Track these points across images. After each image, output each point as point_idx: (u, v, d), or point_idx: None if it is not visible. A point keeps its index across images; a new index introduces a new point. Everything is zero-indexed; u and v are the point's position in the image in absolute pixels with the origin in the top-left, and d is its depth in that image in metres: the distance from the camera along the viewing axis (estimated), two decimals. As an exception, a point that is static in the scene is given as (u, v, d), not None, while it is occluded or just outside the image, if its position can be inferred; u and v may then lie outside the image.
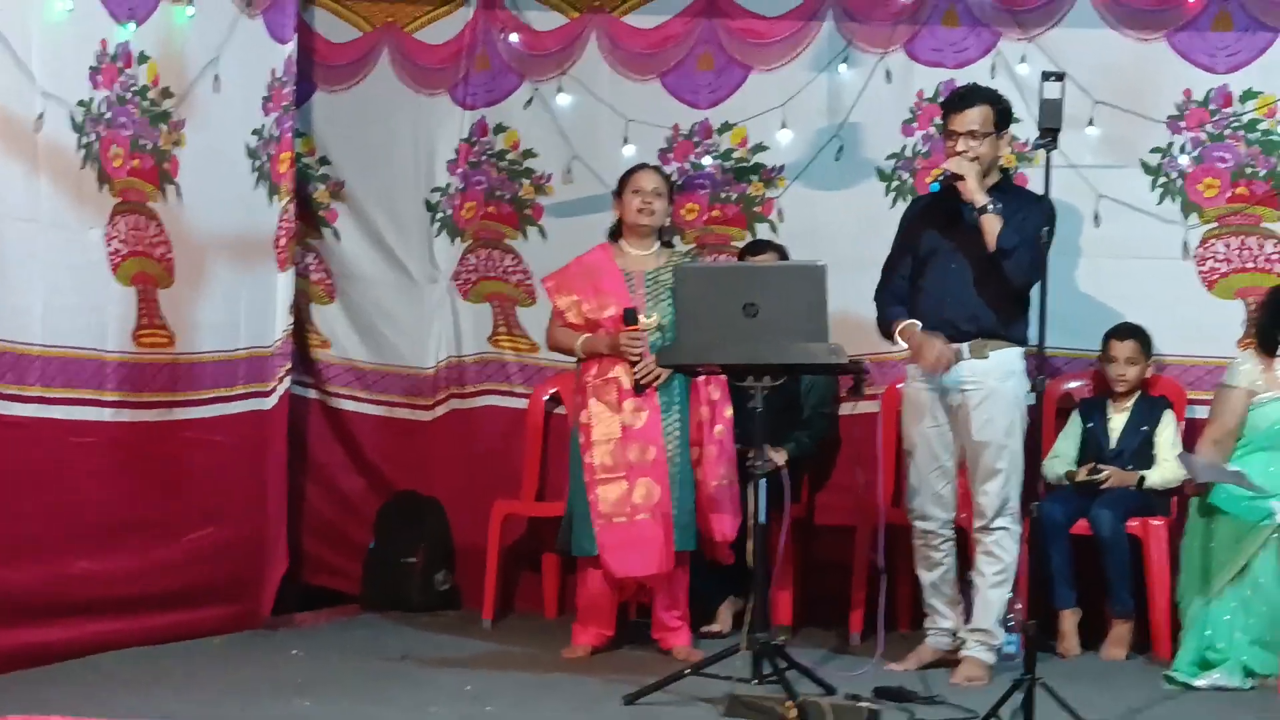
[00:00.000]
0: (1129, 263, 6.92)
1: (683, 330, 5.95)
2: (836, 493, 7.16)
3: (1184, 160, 6.87)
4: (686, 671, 5.86)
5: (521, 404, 7.67)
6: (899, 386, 6.44)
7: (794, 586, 6.96)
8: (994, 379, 6.06)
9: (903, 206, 6.96)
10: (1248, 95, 6.78)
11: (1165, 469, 6.60)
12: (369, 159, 7.90)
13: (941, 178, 6.10)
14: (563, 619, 7.14)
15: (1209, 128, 6.83)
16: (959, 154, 6.05)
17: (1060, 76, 5.73)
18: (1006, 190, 6.16)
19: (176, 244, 6.73)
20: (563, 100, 7.66)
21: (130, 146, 6.51)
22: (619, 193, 6.62)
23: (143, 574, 6.53)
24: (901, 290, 6.24)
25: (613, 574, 6.38)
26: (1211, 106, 6.82)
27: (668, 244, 6.73)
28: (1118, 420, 6.77)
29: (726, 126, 7.47)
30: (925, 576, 6.30)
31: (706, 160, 7.50)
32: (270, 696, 5.79)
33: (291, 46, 7.31)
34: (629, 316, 6.37)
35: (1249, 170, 6.78)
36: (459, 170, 7.80)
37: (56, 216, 6.20)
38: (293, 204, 7.37)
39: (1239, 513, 6.08)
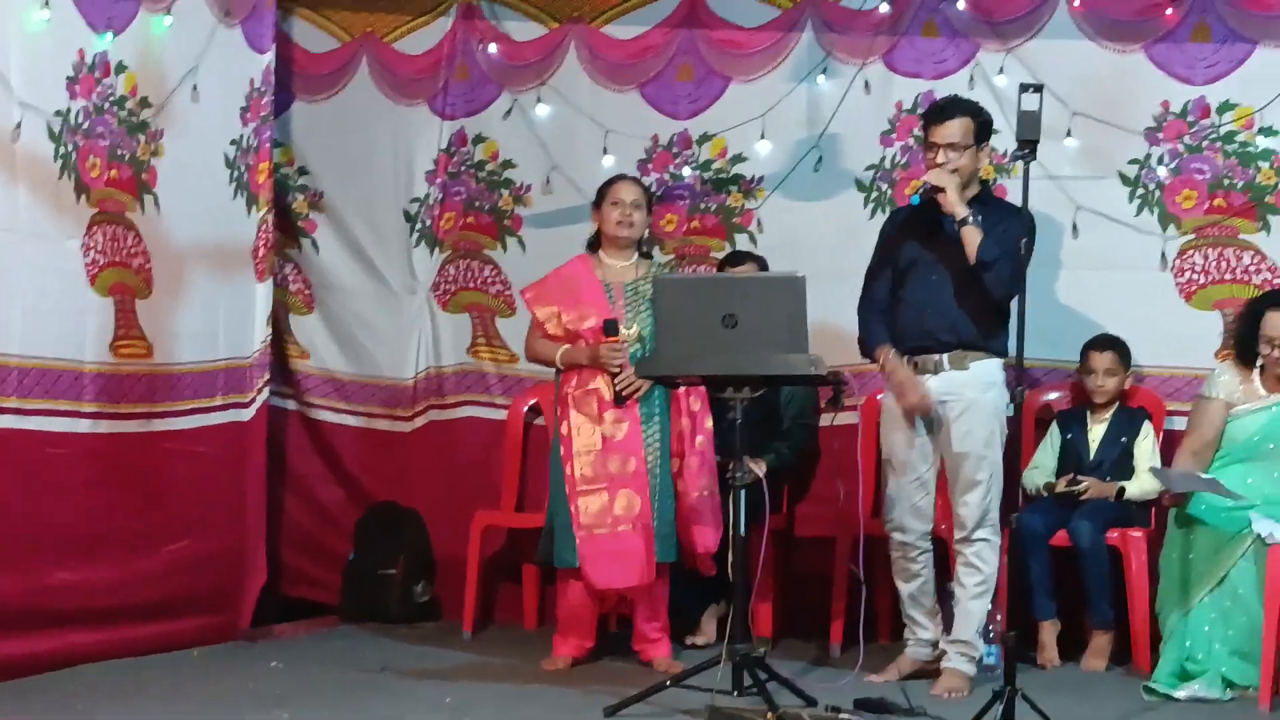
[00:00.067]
0: (1107, 274, 6.92)
1: (662, 341, 5.95)
2: (816, 504, 7.15)
3: (1162, 172, 6.89)
4: (667, 683, 5.87)
5: (501, 415, 7.66)
6: (878, 398, 6.45)
7: (774, 598, 6.96)
8: (974, 390, 6.07)
9: (881, 217, 6.97)
10: (1225, 107, 6.79)
11: (1144, 480, 6.60)
12: (348, 169, 7.90)
13: (921, 190, 6.11)
14: (543, 630, 7.13)
15: (1187, 139, 6.84)
16: (939, 166, 6.06)
17: (1038, 88, 5.74)
18: (986, 202, 6.17)
19: (155, 254, 6.72)
20: (542, 111, 7.66)
21: (108, 156, 6.49)
22: (598, 204, 6.62)
23: (121, 585, 6.52)
24: (883, 303, 6.24)
25: (594, 585, 6.37)
26: (1189, 118, 6.83)
27: (646, 255, 6.74)
28: (1097, 431, 6.77)
29: (706, 137, 7.48)
30: (903, 588, 6.31)
31: (686, 171, 7.50)
32: (249, 708, 5.79)
33: (270, 56, 7.30)
34: (609, 328, 6.37)
35: (1227, 182, 6.80)
36: (438, 181, 7.80)
37: (34, 226, 6.19)
38: (271, 214, 7.36)
39: (1217, 523, 6.09)
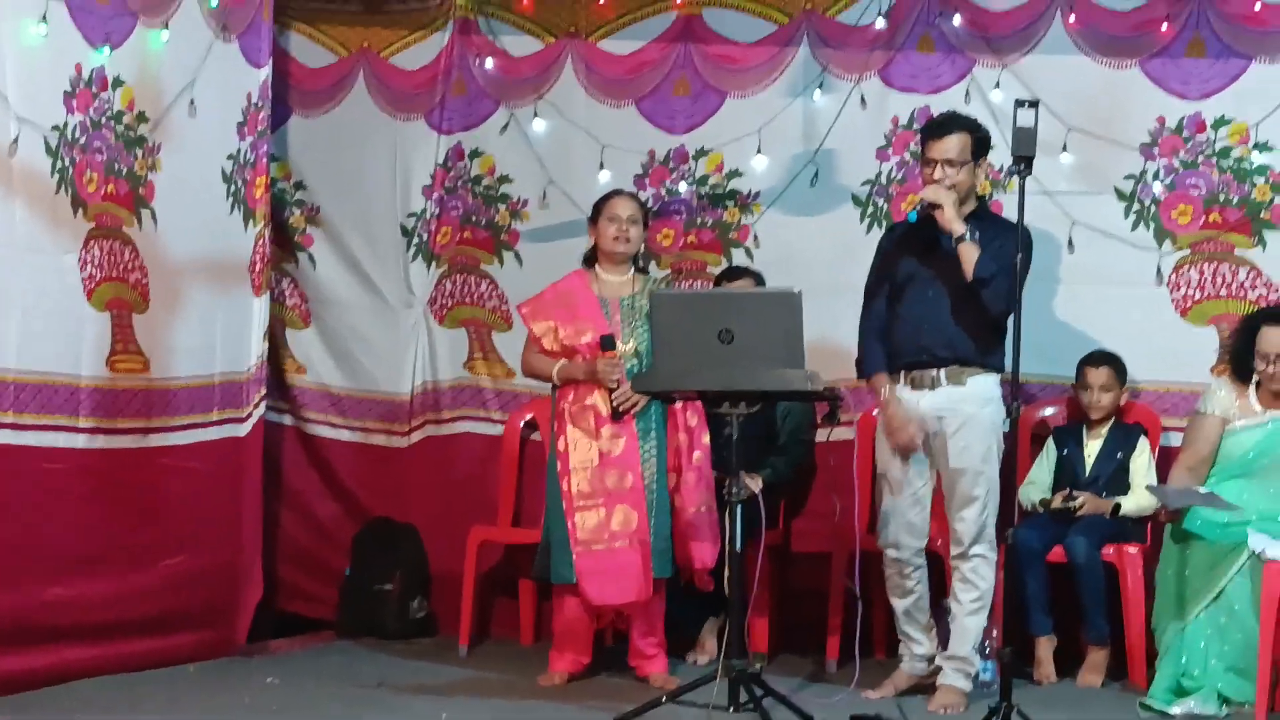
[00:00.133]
0: (1103, 289, 6.93)
1: (659, 357, 5.95)
2: (813, 519, 7.14)
3: (1157, 187, 6.89)
4: (663, 699, 5.87)
5: (497, 430, 7.66)
6: (875, 414, 6.44)
7: (770, 613, 6.95)
8: (971, 406, 6.08)
9: (878, 232, 6.99)
10: (1221, 122, 6.80)
11: (1140, 496, 6.60)
12: (345, 184, 7.90)
13: (919, 207, 6.11)
14: (539, 646, 7.12)
15: (1182, 155, 6.85)
16: (936, 182, 6.07)
17: (1034, 103, 5.77)
18: (983, 218, 6.18)
19: (151, 269, 6.72)
20: (539, 125, 7.67)
21: (105, 171, 6.50)
22: (594, 219, 6.62)
23: (118, 601, 6.51)
24: (881, 321, 6.24)
25: (591, 601, 6.37)
26: (1185, 133, 6.84)
27: (643, 270, 6.74)
28: (1092, 447, 6.78)
29: (702, 152, 7.48)
30: (898, 604, 6.30)
31: (682, 186, 7.51)
32: (245, 724, 5.79)
33: (267, 71, 7.30)
34: (606, 343, 6.37)
35: (1222, 197, 6.80)
36: (435, 195, 7.80)
37: (31, 241, 6.19)
38: (268, 229, 7.36)
39: (1213, 537, 6.10)
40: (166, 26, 6.73)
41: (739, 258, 7.40)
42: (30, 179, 6.17)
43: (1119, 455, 6.71)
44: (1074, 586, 6.52)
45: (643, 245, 6.73)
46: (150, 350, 6.73)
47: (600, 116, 7.59)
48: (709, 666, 6.64)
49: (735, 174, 7.43)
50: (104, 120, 6.50)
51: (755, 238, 7.41)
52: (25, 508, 6.15)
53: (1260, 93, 6.74)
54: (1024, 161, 5.82)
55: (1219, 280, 6.81)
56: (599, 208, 6.61)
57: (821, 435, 6.99)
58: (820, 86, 7.29)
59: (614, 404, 6.38)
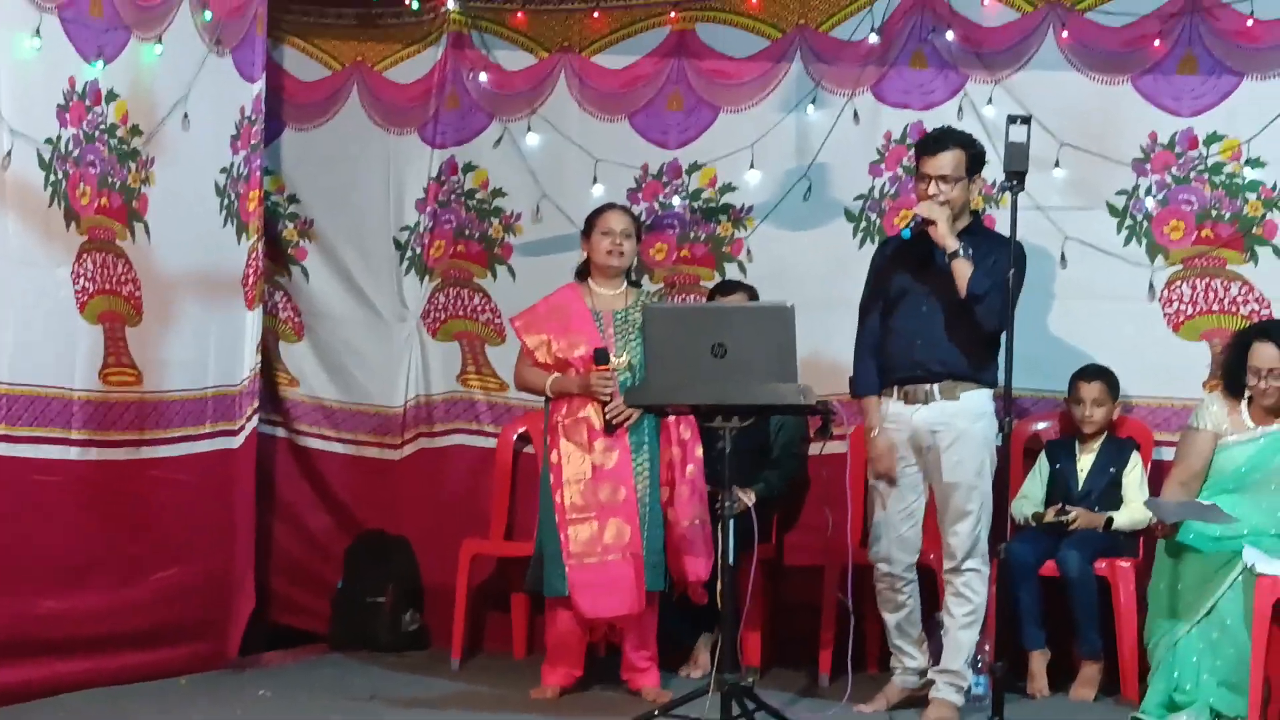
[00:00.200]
0: (1095, 304, 6.94)
1: (652, 370, 5.95)
2: (805, 533, 7.14)
3: (1150, 203, 6.91)
4: (655, 713, 5.87)
5: (490, 443, 7.67)
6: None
7: (763, 627, 6.95)
8: (964, 420, 6.08)
9: (870, 247, 6.99)
10: (1213, 138, 6.82)
11: (1133, 510, 6.62)
12: (338, 197, 7.91)
13: (912, 223, 6.11)
14: (531, 659, 7.12)
15: (1174, 170, 6.86)
16: (930, 197, 6.07)
17: (1026, 119, 5.80)
18: (977, 233, 6.18)
19: (145, 282, 6.72)
20: (532, 140, 7.69)
21: (98, 184, 6.50)
22: (587, 233, 6.62)
23: (110, 613, 6.50)
24: (875, 338, 6.24)
25: (583, 614, 6.37)
26: (1177, 149, 6.85)
27: (635, 284, 6.75)
28: (1085, 461, 6.79)
29: (695, 166, 7.50)
30: (889, 618, 6.30)
31: (675, 200, 7.52)
32: (237, 738, 5.78)
33: (260, 85, 7.31)
34: (600, 356, 6.38)
35: (1214, 213, 6.81)
36: (428, 209, 7.81)
37: (24, 254, 6.19)
38: (261, 242, 7.36)
39: (1208, 550, 6.09)
40: (160, 40, 6.73)
41: (732, 272, 7.41)
42: (23, 192, 6.17)
43: (1111, 470, 6.72)
44: (1066, 601, 6.53)
45: (636, 259, 6.74)
46: (143, 363, 6.73)
47: (593, 131, 7.60)
48: (701, 680, 6.63)
49: (728, 188, 7.44)
50: (97, 133, 6.50)
51: (748, 252, 7.42)
52: (17, 520, 6.14)
53: (1252, 109, 6.75)
54: (1016, 177, 5.86)
55: (1211, 295, 6.82)
56: (592, 222, 6.62)
57: (814, 449, 7.02)
58: (813, 101, 7.31)
59: (607, 417, 6.39)
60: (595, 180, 7.55)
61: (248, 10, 7.18)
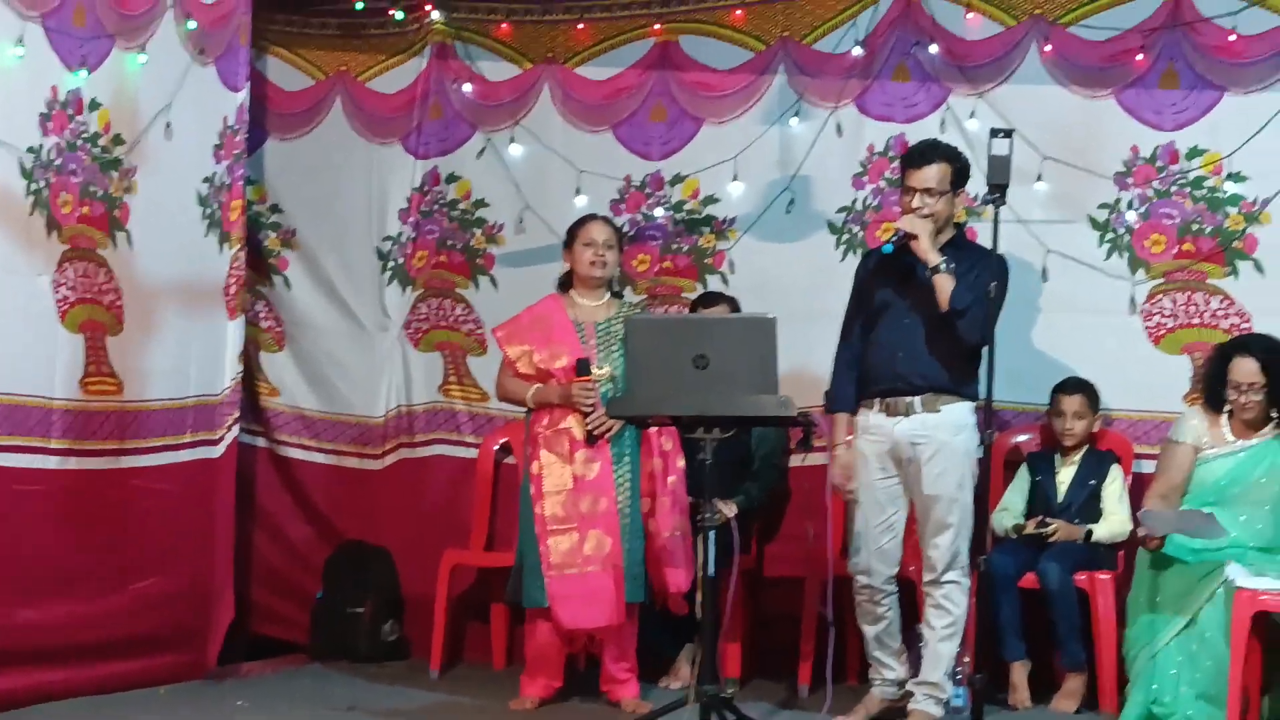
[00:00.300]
0: (1077, 317, 6.94)
1: (633, 381, 5.96)
2: (786, 544, 7.15)
3: (1131, 216, 6.92)
4: (635, 724, 5.87)
5: (471, 454, 7.66)
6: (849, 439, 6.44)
7: (743, 638, 6.95)
8: (945, 433, 6.08)
9: (853, 259, 7.01)
10: (1194, 152, 6.83)
11: (1113, 523, 6.63)
12: (320, 207, 7.91)
13: (895, 237, 6.12)
14: (511, 670, 7.11)
15: (1156, 184, 6.87)
16: (915, 210, 6.08)
17: (1009, 133, 5.81)
18: (961, 246, 6.19)
19: (126, 291, 6.71)
20: (515, 150, 7.70)
21: (80, 193, 6.49)
22: (569, 244, 6.63)
23: (89, 623, 6.49)
24: (855, 352, 6.26)
25: (563, 625, 6.36)
26: (1159, 163, 6.87)
27: (617, 294, 6.75)
28: (1065, 474, 6.79)
29: (678, 178, 7.51)
30: (869, 630, 6.30)
31: (658, 212, 7.53)
32: (216, 748, 5.77)
33: (244, 94, 7.31)
34: (581, 367, 6.38)
35: (1195, 227, 6.83)
36: (411, 219, 7.81)
37: (5, 262, 6.20)
38: (243, 252, 7.35)
39: (1189, 559, 6.10)
40: (143, 50, 6.74)
41: (714, 283, 7.41)
42: (5, 200, 6.17)
43: (1092, 482, 6.73)
44: (1047, 613, 6.53)
45: (618, 270, 6.75)
46: (124, 372, 6.72)
47: (577, 142, 7.61)
48: (681, 691, 6.62)
49: (711, 200, 7.45)
50: (80, 142, 6.49)
51: (731, 264, 7.43)
52: (-4, 529, 6.14)
53: (1233, 124, 6.75)
54: (999, 190, 5.87)
55: (1192, 309, 6.83)
56: (574, 233, 6.62)
57: (795, 460, 7.02)
58: (796, 114, 7.32)
59: (588, 428, 6.39)
60: (578, 191, 7.56)
61: (231, 20, 7.18)
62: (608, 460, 6.42)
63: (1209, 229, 6.81)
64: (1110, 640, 6.43)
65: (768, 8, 7.39)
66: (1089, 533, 6.61)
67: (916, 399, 6.11)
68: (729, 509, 6.48)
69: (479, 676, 7.20)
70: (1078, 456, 6.80)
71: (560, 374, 6.45)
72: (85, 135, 6.52)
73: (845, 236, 7.25)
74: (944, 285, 6.00)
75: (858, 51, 7.21)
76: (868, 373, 6.22)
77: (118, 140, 6.67)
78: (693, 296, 7.36)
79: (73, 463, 6.47)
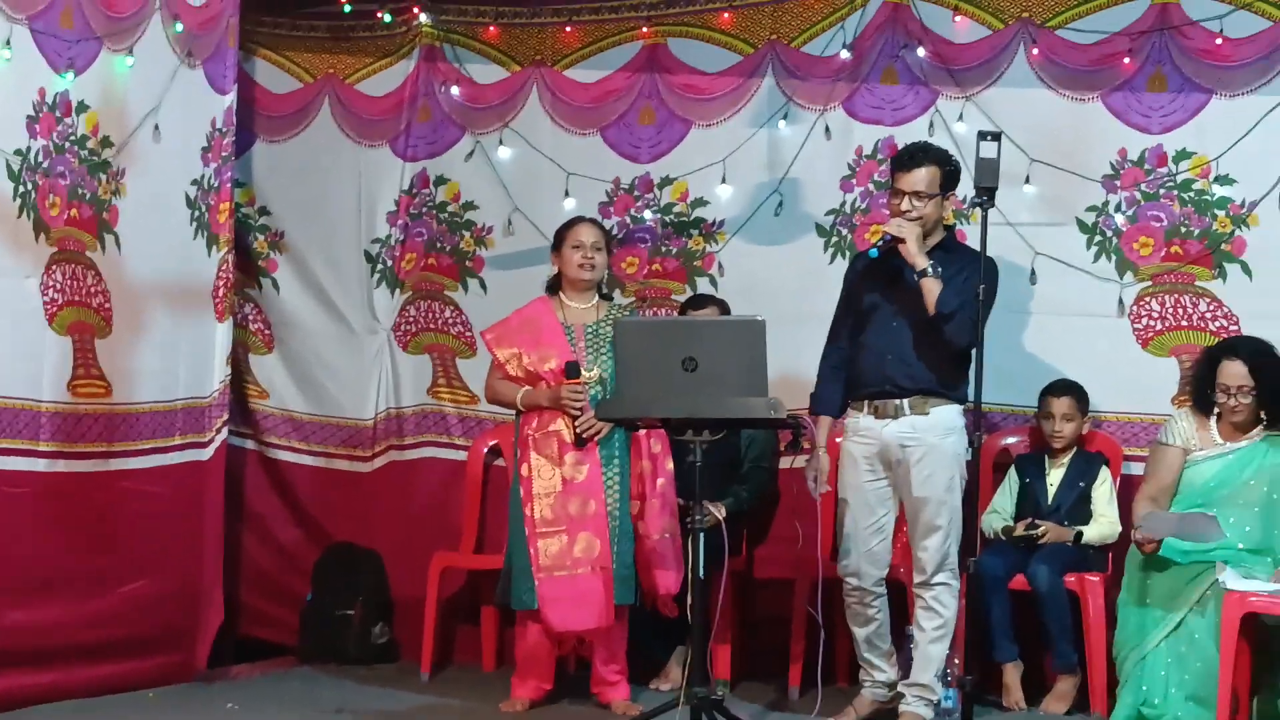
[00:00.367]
0: (1065, 320, 6.95)
1: (623, 384, 5.95)
2: (776, 546, 7.13)
3: (1119, 219, 6.93)
4: (625, 726, 5.87)
5: (461, 456, 7.66)
6: (838, 441, 6.45)
7: (733, 640, 6.94)
8: (934, 435, 6.09)
9: (841, 262, 7.02)
10: (1182, 155, 6.84)
11: (1102, 525, 6.64)
12: (309, 209, 7.91)
13: (880, 241, 6.13)
14: (501, 672, 7.11)
15: (1144, 187, 6.89)
16: (904, 213, 6.09)
17: (997, 135, 5.81)
18: (950, 249, 6.20)
19: (115, 293, 6.71)
20: (504, 153, 7.69)
21: (68, 195, 6.48)
22: (557, 247, 6.63)
23: (77, 625, 6.48)
24: (841, 355, 6.28)
25: (553, 628, 6.36)
26: (1146, 166, 6.88)
27: (607, 297, 6.75)
28: (1055, 476, 6.80)
29: (667, 181, 7.51)
30: (858, 632, 6.30)
31: (647, 214, 7.53)
32: (205, 751, 5.77)
33: (232, 97, 7.30)
34: (570, 370, 6.38)
35: (1183, 229, 6.84)
36: (399, 222, 7.81)
37: (-8, 265, 6.19)
38: (232, 254, 7.35)
39: (1182, 561, 6.11)
40: (131, 52, 6.73)
41: (703, 286, 7.42)
42: (-9, 203, 6.17)
43: (1081, 484, 6.74)
44: (1037, 615, 6.53)
45: (607, 272, 6.75)
46: (112, 374, 6.71)
47: (565, 144, 7.61)
48: (671, 693, 6.63)
49: (700, 202, 7.45)
50: (67, 145, 6.48)
51: (720, 266, 7.43)
52: (-15, 531, 6.13)
53: (1221, 126, 6.77)
54: (987, 193, 5.88)
55: (1180, 312, 6.84)
56: (562, 235, 6.62)
57: (785, 463, 7.02)
58: (785, 116, 7.32)
59: (577, 431, 6.39)
60: (567, 194, 7.56)
61: (219, 22, 7.17)
62: (597, 463, 6.42)
63: (1197, 232, 6.83)
64: (1100, 642, 6.43)
65: (756, 10, 7.40)
66: (1079, 535, 6.62)
67: (905, 401, 6.12)
68: (719, 511, 6.48)
69: (469, 679, 7.20)
70: (1067, 458, 6.81)
71: (549, 376, 6.45)
72: (73, 137, 6.51)
73: (834, 239, 7.26)
74: (931, 289, 6.01)
75: (846, 54, 7.21)
76: (857, 375, 6.23)
77: (106, 142, 6.66)
78: (682, 299, 7.37)
79: (61, 465, 6.46)
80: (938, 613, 6.12)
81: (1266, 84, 6.71)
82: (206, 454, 7.20)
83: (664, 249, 7.52)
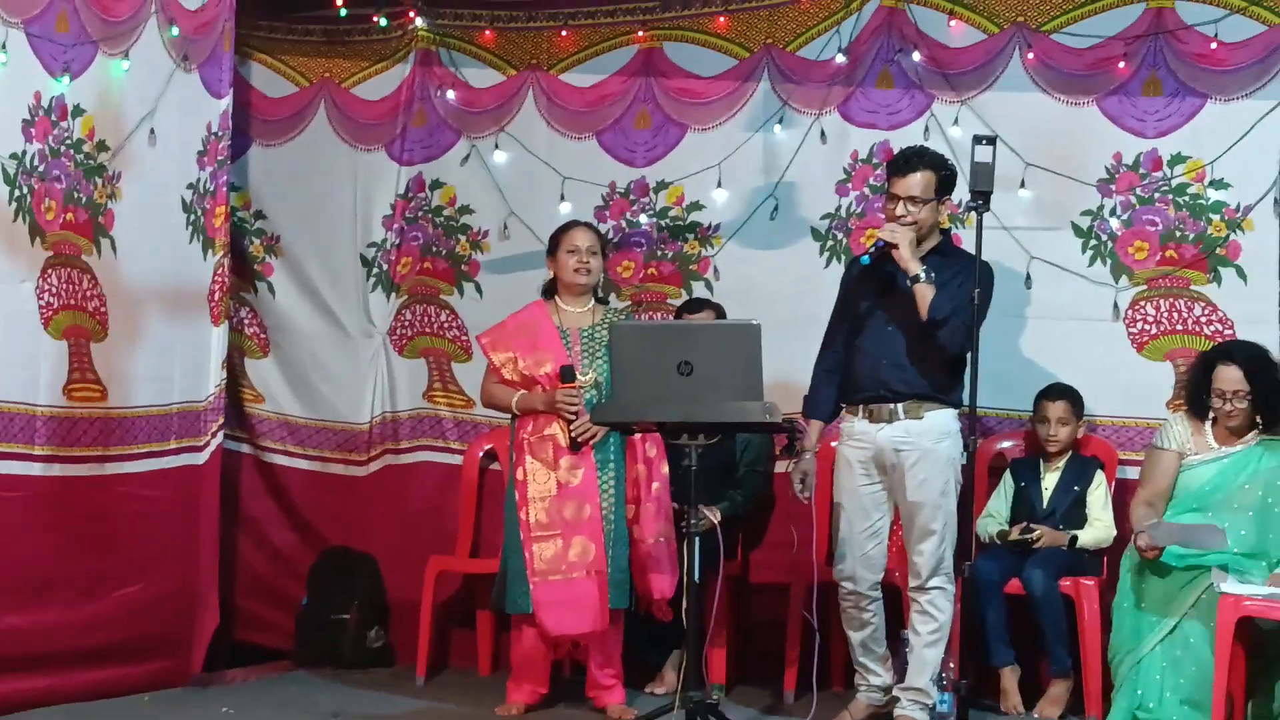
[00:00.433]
0: (1060, 324, 6.96)
1: (618, 388, 5.96)
2: (771, 550, 7.15)
3: (1114, 223, 6.93)
4: (620, 730, 5.87)
5: (456, 460, 7.66)
6: (833, 445, 6.46)
7: (728, 644, 6.95)
8: (929, 440, 6.09)
9: (837, 266, 7.03)
10: (1176, 160, 6.84)
11: (1097, 529, 6.64)
12: (305, 213, 7.91)
13: (874, 248, 6.13)
14: (497, 676, 7.11)
15: (1139, 191, 6.90)
16: (899, 218, 6.09)
17: (992, 140, 5.81)
18: (946, 253, 6.20)
19: (110, 297, 6.70)
20: (500, 157, 7.70)
21: (64, 199, 6.48)
22: (552, 251, 6.63)
23: (73, 629, 6.48)
24: (835, 360, 6.28)
25: (548, 632, 6.36)
26: (1141, 170, 6.89)
27: (602, 300, 6.76)
28: (1050, 480, 6.81)
29: (663, 185, 7.51)
30: (854, 636, 6.31)
31: (643, 218, 7.53)
32: (200, 755, 5.76)
33: (227, 101, 7.31)
34: (566, 374, 6.38)
35: (1178, 234, 6.85)
36: (395, 226, 7.81)
37: (-12, 269, 6.19)
38: (227, 258, 7.36)
39: (1173, 566, 6.11)
40: (127, 56, 6.73)
41: (699, 290, 7.42)
42: (-12, 207, 6.17)
43: (1076, 488, 6.74)
44: (1032, 619, 6.54)
45: (603, 276, 6.75)
46: (108, 379, 6.71)
47: (561, 148, 7.62)
48: (666, 697, 6.63)
49: (696, 207, 7.46)
50: (63, 148, 6.48)
51: (715, 270, 7.44)
52: (-20, 535, 6.13)
53: (1216, 131, 6.77)
54: (982, 197, 5.88)
55: (1175, 316, 6.85)
56: (557, 239, 6.62)
57: (780, 466, 7.02)
58: (780, 121, 7.33)
59: (573, 435, 6.39)
60: (563, 198, 7.56)
61: (215, 26, 7.18)
62: (592, 467, 6.42)
63: (1192, 236, 6.83)
64: (1095, 646, 6.43)
65: (751, 15, 7.41)
66: (1074, 539, 6.62)
67: (899, 406, 6.12)
68: (714, 515, 6.48)
69: (464, 683, 7.20)
70: (1062, 463, 6.81)
71: (545, 380, 6.45)
72: (69, 141, 6.51)
73: (829, 243, 7.26)
74: (924, 295, 6.01)
75: (841, 59, 7.22)
76: (851, 380, 6.24)
77: (101, 146, 6.67)
78: (677, 303, 7.37)
79: (57, 469, 6.46)
80: (933, 617, 6.12)
81: (1261, 88, 6.72)
82: (202, 458, 7.21)
83: (660, 253, 7.52)
